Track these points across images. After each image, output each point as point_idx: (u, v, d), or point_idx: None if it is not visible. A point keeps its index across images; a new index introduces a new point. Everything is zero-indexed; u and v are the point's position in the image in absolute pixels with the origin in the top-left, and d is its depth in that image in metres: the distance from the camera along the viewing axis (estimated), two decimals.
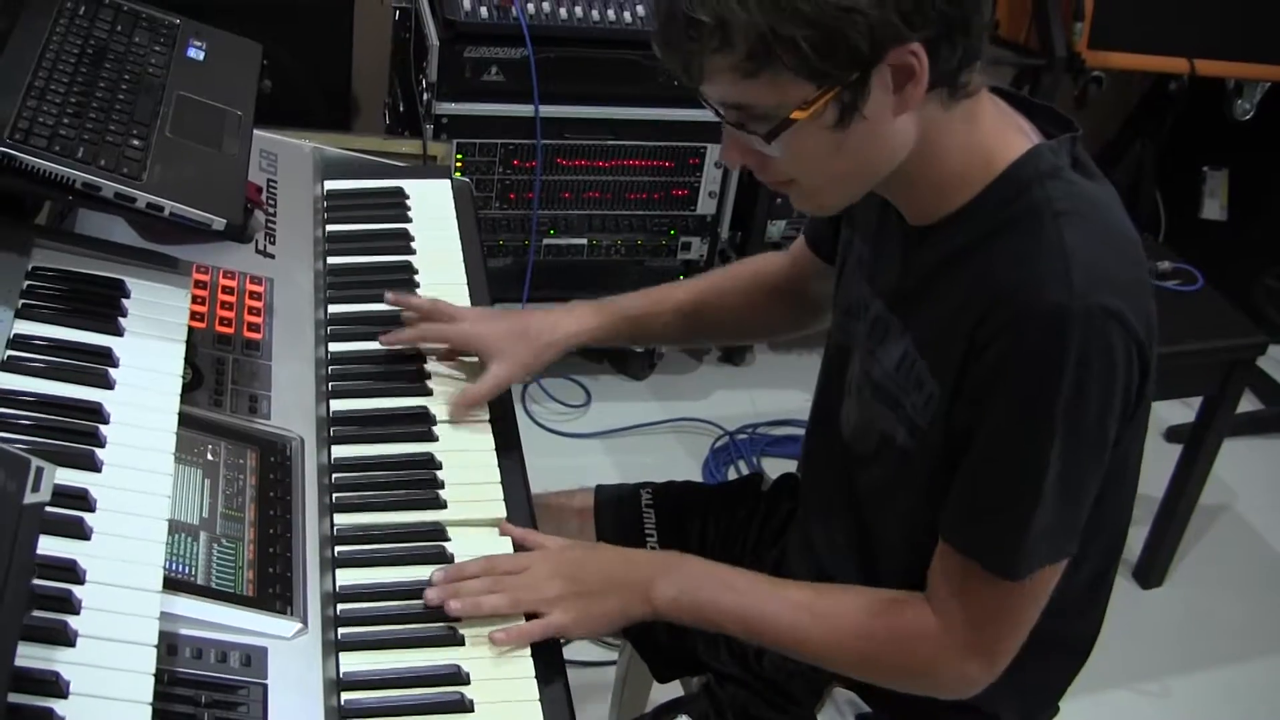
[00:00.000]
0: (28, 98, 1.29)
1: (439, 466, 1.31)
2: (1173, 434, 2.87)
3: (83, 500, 1.04)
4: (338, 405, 1.35)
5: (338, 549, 1.20)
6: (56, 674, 0.92)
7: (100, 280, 1.28)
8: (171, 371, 1.21)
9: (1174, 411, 2.86)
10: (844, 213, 1.28)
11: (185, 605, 1.06)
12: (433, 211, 1.65)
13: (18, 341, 1.18)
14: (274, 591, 1.12)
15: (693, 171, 2.65)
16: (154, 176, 1.28)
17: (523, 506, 1.30)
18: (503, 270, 2.63)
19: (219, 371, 1.31)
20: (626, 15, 2.46)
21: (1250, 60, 2.93)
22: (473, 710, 1.09)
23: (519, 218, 2.61)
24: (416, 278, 1.54)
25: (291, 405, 1.31)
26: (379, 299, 1.47)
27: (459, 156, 2.49)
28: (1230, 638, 2.54)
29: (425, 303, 1.45)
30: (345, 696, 1.08)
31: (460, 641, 1.15)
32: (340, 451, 1.30)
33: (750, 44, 1.00)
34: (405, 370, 1.42)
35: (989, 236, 1.12)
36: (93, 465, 1.08)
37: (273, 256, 1.48)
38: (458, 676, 1.11)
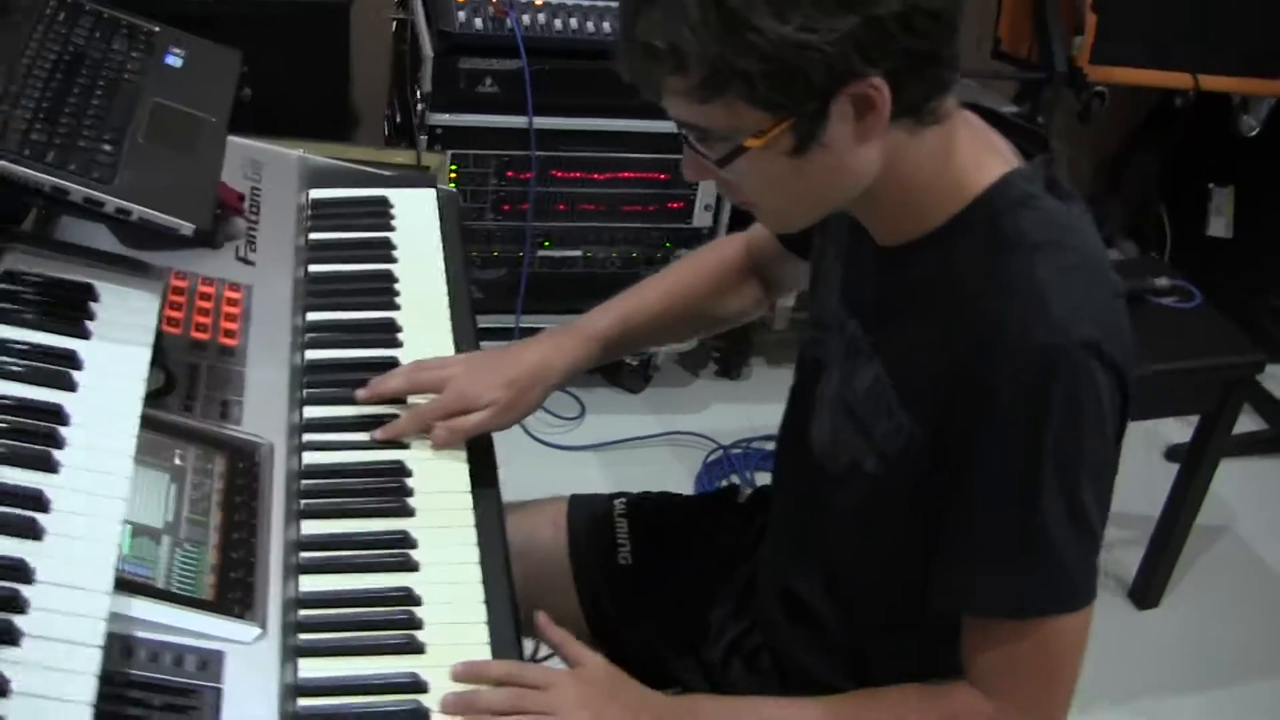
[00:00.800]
0: (1, 102, 1.29)
1: (409, 474, 1.30)
2: (1173, 453, 2.84)
3: (37, 501, 1.04)
4: (310, 412, 1.34)
5: (302, 555, 1.19)
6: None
7: (69, 285, 1.28)
8: (136, 375, 1.21)
9: (1174, 430, 2.83)
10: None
11: (143, 608, 1.06)
12: (417, 221, 1.64)
13: None
14: (234, 596, 1.11)
15: (688, 184, 2.64)
16: (124, 181, 1.28)
17: (494, 515, 1.29)
18: (497, 282, 2.63)
19: (192, 377, 1.30)
20: None
21: (1256, 75, 2.91)
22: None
23: (514, 229, 2.61)
24: (397, 286, 1.53)
25: (264, 411, 1.31)
26: (358, 307, 1.47)
27: (454, 168, 2.49)
28: (1228, 659, 2.51)
29: (403, 383, 1.36)
30: (301, 702, 1.07)
31: (420, 650, 1.14)
32: (311, 458, 1.29)
33: (704, 72, 0.99)
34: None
35: (961, 267, 1.10)
36: (50, 466, 1.08)
37: (253, 264, 1.48)
38: (416, 685, 1.10)
